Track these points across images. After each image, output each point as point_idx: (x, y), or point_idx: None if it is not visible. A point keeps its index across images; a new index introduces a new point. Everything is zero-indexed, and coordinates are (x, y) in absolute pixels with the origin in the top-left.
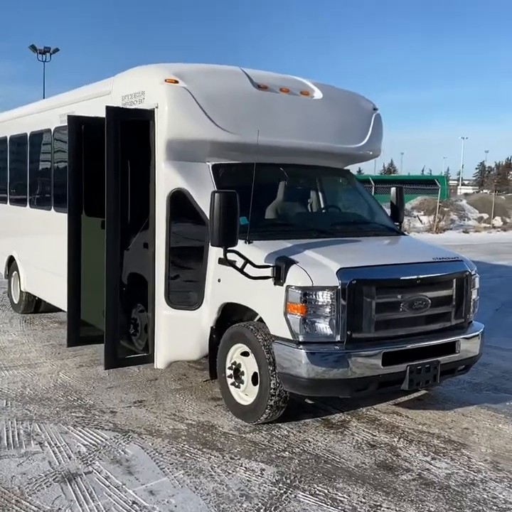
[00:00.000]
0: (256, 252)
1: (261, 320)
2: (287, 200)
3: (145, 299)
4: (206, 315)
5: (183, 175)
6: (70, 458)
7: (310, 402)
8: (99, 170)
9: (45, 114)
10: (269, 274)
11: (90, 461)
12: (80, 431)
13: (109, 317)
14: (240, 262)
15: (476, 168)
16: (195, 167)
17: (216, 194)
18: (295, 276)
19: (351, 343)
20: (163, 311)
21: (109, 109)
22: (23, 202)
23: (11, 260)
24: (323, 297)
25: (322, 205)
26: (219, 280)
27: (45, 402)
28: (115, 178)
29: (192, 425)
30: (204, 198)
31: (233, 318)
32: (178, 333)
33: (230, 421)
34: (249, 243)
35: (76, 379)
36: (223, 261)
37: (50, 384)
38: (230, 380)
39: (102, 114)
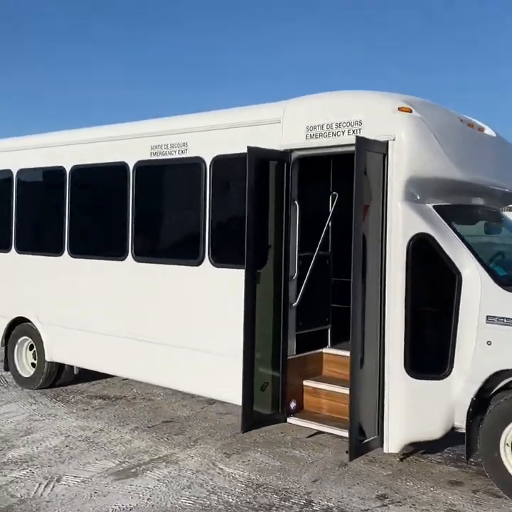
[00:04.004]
0: None
1: None
2: (495, 246)
3: None
4: (460, 384)
5: (424, 218)
6: None
7: None
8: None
9: (109, 144)
10: None
11: None
12: None
13: (354, 399)
14: None
15: None
16: (422, 209)
17: None
18: None
19: None
20: (400, 382)
21: (361, 139)
22: (54, 250)
23: (15, 324)
24: None
25: None
26: (488, 343)
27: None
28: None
29: None
30: (449, 243)
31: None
32: (419, 408)
33: None
34: None
35: (251, 471)
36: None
37: (235, 483)
38: None
39: (251, 144)
